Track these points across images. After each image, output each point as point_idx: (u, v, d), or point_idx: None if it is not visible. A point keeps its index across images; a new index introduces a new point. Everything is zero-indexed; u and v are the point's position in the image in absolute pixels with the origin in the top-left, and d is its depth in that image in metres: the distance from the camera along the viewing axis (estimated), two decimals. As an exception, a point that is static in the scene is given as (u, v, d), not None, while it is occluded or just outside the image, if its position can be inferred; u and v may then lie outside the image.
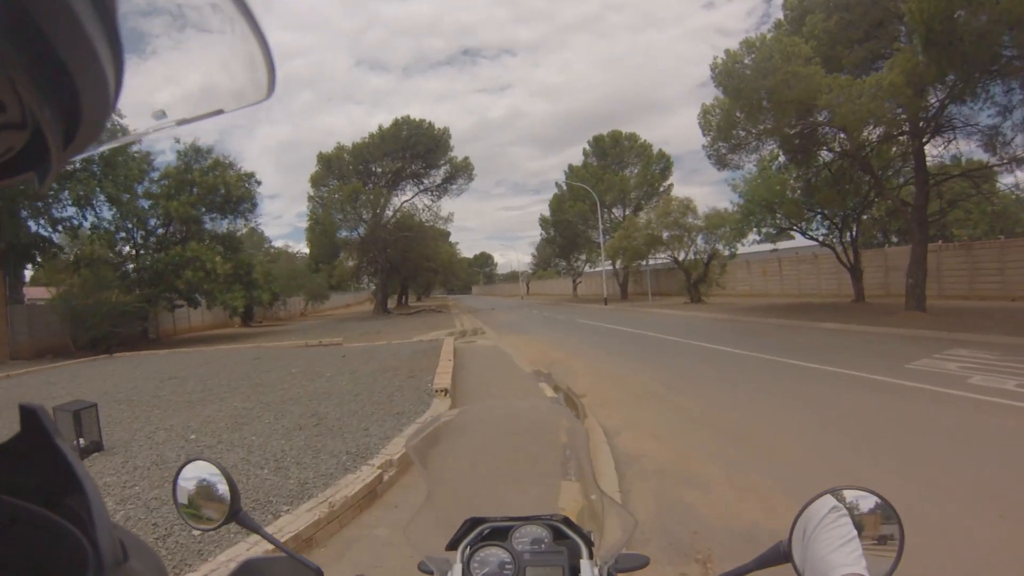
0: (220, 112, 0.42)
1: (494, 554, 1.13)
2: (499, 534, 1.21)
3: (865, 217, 24.29)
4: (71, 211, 22.19)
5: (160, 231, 24.68)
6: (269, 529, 3.62)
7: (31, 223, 21.13)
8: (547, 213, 52.25)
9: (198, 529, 1.32)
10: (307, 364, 12.33)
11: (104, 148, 0.46)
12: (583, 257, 52.72)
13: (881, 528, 0.94)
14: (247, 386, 10.07)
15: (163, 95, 0.40)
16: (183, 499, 1.20)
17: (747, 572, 1.03)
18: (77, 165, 20.26)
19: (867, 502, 0.96)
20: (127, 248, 24.43)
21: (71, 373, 14.58)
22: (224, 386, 10.27)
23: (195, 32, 0.40)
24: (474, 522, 1.25)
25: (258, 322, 37.57)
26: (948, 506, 4.01)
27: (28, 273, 25.56)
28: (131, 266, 23.90)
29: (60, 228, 22.12)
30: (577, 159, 48.69)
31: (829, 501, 0.96)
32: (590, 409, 7.72)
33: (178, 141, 24.98)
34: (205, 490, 1.19)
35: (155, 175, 24.57)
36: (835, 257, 23.80)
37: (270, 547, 1.27)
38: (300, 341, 17.98)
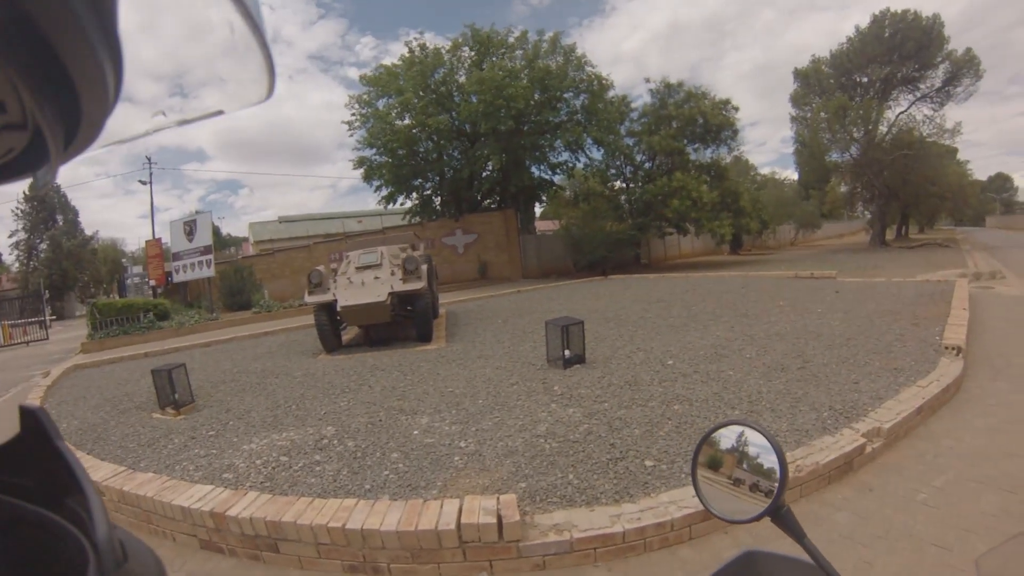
0: (220, 113, 0.42)
1: None
2: None
3: None
4: (565, 156, 25.94)
5: (647, 165, 26.06)
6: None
7: (534, 169, 25.68)
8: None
9: (719, 517, 1.04)
10: (795, 297, 11.15)
11: (104, 148, 0.41)
12: None
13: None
14: (730, 315, 9.49)
15: (163, 95, 0.41)
16: (707, 465, 1.06)
17: None
18: (563, 116, 23.26)
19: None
20: (618, 183, 26.68)
21: (568, 291, 16.51)
22: (707, 313, 9.91)
23: (195, 33, 0.39)
24: None
25: (746, 250, 37.18)
26: None
27: (538, 209, 31.06)
28: (623, 198, 25.98)
29: (559, 171, 26.38)
30: None
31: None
32: None
33: (648, 80, 25.86)
34: (735, 464, 1.02)
35: (634, 115, 25.93)
36: None
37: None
38: (789, 272, 16.64)
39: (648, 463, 3.76)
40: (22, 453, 0.43)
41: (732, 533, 3.07)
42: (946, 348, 6.16)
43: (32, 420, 0.43)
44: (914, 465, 3.80)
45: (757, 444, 1.02)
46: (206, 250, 18.64)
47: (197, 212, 20.32)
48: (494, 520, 2.92)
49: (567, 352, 6.55)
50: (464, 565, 2.96)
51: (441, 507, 3.11)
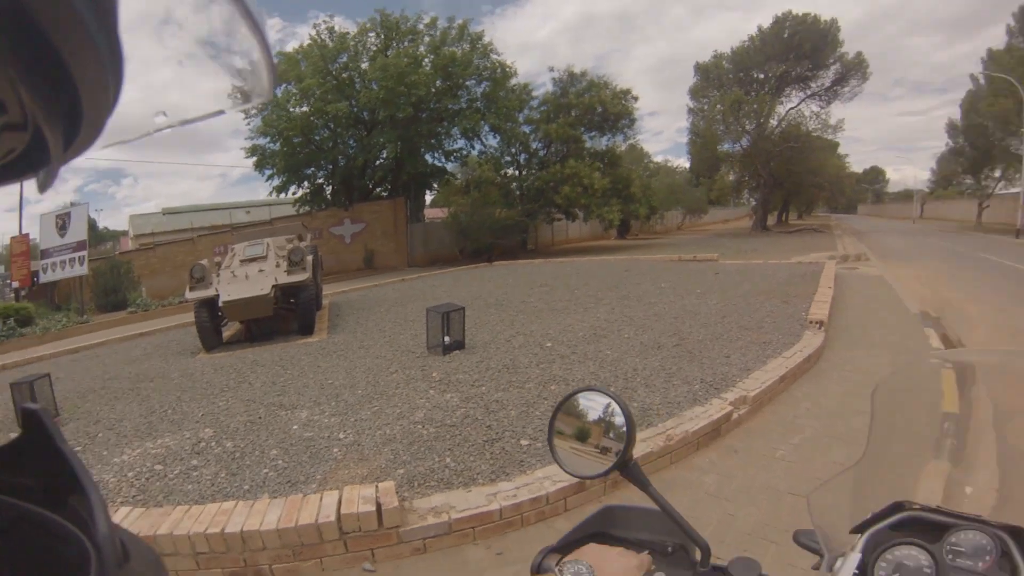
0: (221, 112, 0.42)
1: (911, 556, 0.89)
2: (926, 531, 0.94)
3: None
4: (461, 143, 26.02)
5: (541, 152, 26.40)
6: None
7: (428, 156, 25.40)
8: (957, 117, 40.37)
9: (574, 475, 1.13)
10: (677, 279, 11.72)
11: (105, 148, 0.40)
12: (996, 174, 39.65)
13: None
14: (613, 298, 9.87)
15: (163, 95, 0.41)
16: (563, 431, 1.12)
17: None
18: (463, 104, 23.20)
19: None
20: (511, 170, 26.88)
21: (452, 278, 16.51)
22: (590, 296, 10.25)
23: (195, 32, 0.38)
24: (896, 508, 0.98)
25: (633, 235, 38.21)
26: None
27: (429, 197, 30.71)
28: (514, 185, 26.16)
29: (453, 158, 26.35)
30: (999, 41, 35.47)
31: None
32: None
33: (552, 69, 26.22)
34: (590, 427, 1.10)
35: (535, 103, 26.16)
36: None
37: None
38: (673, 255, 17.51)
39: (523, 442, 3.91)
40: (24, 453, 0.44)
41: (606, 500, 3.25)
42: (810, 323, 6.84)
43: (34, 420, 0.43)
44: (775, 427, 4.19)
45: (608, 407, 1.10)
46: (79, 246, 17.12)
47: (72, 204, 18.71)
48: (373, 508, 2.97)
49: (447, 338, 6.65)
50: (346, 557, 2.98)
51: (320, 500, 3.12)
